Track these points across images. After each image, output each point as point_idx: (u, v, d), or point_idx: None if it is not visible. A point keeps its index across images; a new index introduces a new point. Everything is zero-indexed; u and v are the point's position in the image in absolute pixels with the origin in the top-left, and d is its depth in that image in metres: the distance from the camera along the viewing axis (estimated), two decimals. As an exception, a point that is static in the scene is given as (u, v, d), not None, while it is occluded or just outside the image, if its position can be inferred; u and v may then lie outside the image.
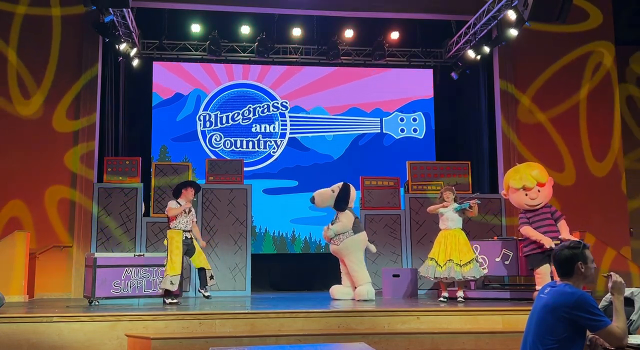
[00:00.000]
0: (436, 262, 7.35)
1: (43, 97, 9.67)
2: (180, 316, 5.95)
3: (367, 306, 6.94)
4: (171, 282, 7.29)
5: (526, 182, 7.34)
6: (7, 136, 9.51)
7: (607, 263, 9.07)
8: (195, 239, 7.64)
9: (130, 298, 7.67)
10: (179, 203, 7.52)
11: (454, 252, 7.30)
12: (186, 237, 7.49)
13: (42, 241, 9.26)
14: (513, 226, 9.92)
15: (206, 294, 7.63)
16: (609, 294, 4.64)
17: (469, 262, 7.24)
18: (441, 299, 7.44)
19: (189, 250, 7.50)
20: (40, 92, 9.67)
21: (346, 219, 8.02)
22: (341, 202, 8.11)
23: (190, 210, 7.61)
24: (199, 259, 7.60)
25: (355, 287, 7.93)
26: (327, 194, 8.18)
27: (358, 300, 7.73)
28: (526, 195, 7.34)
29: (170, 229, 7.49)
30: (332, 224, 8.10)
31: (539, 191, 7.31)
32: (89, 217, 9.22)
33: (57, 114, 9.69)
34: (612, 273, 3.39)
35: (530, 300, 6.76)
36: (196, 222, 7.89)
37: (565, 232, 7.15)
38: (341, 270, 8.26)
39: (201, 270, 7.61)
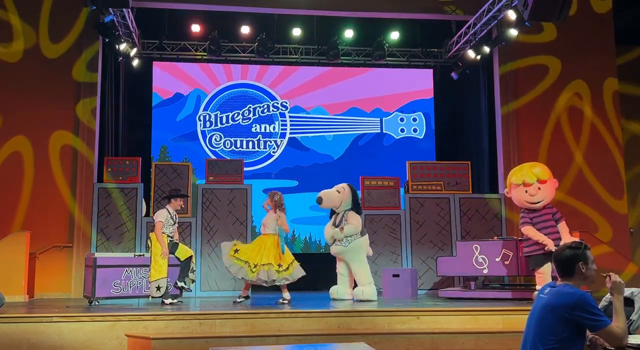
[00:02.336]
0: (249, 265, 7.25)
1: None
2: (180, 316, 5.95)
3: (367, 306, 6.95)
4: (158, 286, 7.24)
5: (526, 177, 7.34)
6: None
7: (606, 263, 9.07)
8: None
9: (130, 298, 7.68)
10: (169, 211, 7.52)
11: (270, 257, 7.27)
12: (170, 240, 7.48)
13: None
14: (513, 226, 9.93)
15: (185, 286, 7.42)
16: (609, 293, 4.66)
17: (289, 265, 7.31)
18: (240, 300, 7.41)
19: (171, 248, 7.45)
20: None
21: (357, 221, 8.05)
22: (358, 205, 8.22)
23: (176, 220, 7.66)
24: (184, 250, 7.53)
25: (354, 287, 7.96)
26: (333, 195, 8.15)
27: (357, 301, 7.74)
28: (526, 192, 7.32)
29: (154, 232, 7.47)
30: (336, 225, 8.08)
31: (539, 188, 7.28)
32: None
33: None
34: (611, 273, 3.39)
35: (530, 300, 6.76)
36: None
37: (565, 233, 7.14)
38: (338, 271, 8.25)
39: (186, 262, 7.49)
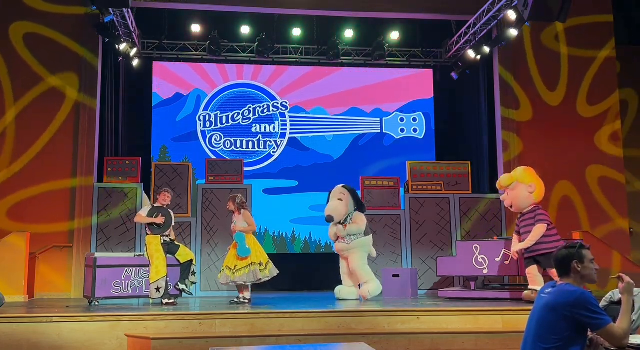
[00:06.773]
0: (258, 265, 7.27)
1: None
2: (180, 316, 5.95)
3: (367, 306, 6.95)
4: (157, 288, 7.21)
5: (502, 180, 7.48)
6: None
7: (604, 263, 9.07)
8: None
9: (130, 298, 7.67)
10: (153, 206, 7.49)
11: (230, 259, 7.29)
12: (164, 240, 7.45)
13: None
14: (513, 226, 9.92)
15: (186, 289, 7.39)
16: (610, 294, 4.67)
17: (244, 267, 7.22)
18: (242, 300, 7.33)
19: (170, 249, 7.44)
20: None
21: (361, 221, 8.11)
22: (361, 204, 8.26)
23: (169, 218, 7.56)
24: (185, 253, 7.51)
25: (359, 285, 7.99)
26: (339, 206, 8.07)
27: (364, 300, 7.75)
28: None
29: (148, 234, 7.46)
30: (342, 223, 8.06)
31: (507, 194, 7.38)
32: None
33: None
34: (621, 274, 3.39)
35: (529, 301, 6.76)
36: (173, 226, 7.73)
37: (529, 238, 6.90)
38: (341, 271, 8.27)
39: (186, 264, 7.47)
